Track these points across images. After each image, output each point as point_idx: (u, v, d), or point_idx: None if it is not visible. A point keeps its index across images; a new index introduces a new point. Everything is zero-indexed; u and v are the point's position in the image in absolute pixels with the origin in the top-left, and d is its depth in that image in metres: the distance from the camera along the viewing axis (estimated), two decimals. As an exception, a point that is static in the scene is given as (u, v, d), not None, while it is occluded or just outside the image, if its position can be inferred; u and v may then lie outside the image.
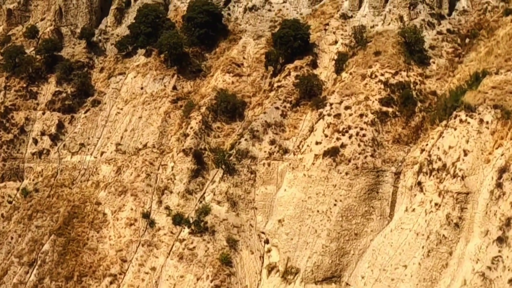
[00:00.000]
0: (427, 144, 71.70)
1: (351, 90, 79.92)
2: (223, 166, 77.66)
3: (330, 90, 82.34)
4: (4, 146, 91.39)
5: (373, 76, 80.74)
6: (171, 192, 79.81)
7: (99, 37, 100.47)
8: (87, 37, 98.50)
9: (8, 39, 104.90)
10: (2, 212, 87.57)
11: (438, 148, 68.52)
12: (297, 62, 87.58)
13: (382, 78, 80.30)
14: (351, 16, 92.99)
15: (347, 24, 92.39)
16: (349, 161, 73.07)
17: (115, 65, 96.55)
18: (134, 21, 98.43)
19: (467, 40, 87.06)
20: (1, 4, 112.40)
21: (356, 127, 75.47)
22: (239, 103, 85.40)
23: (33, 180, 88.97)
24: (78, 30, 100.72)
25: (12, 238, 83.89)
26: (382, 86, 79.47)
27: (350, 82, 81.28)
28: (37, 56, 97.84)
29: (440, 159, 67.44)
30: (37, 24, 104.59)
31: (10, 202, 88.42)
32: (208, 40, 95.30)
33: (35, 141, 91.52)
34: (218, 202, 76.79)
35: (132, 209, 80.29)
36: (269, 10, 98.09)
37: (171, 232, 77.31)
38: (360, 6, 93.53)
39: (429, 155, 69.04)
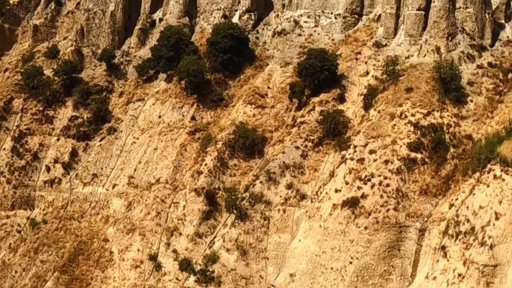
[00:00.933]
0: (456, 199, 64.86)
1: (378, 131, 73.43)
2: (235, 211, 72.04)
3: (356, 129, 76.04)
4: (16, 173, 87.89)
5: (403, 116, 74.08)
6: (180, 234, 74.83)
7: (121, 59, 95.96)
8: (107, 59, 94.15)
9: (31, 56, 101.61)
10: (10, 242, 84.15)
11: (468, 207, 61.63)
12: (323, 96, 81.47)
13: (413, 119, 73.60)
14: (385, 45, 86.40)
15: (381, 53, 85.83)
16: (369, 214, 66.66)
17: (135, 90, 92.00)
18: (157, 43, 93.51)
19: (510, 76, 79.58)
20: (28, 19, 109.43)
21: (380, 175, 68.97)
22: (258, 139, 79.79)
23: (43, 210, 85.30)
24: (100, 51, 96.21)
25: (16, 272, 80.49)
26: (412, 128, 72.77)
27: (377, 121, 74.79)
28: (56, 78, 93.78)
29: (468, 221, 60.56)
30: (59, 43, 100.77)
31: (19, 232, 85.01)
32: (232, 65, 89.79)
33: (48, 169, 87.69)
34: (228, 250, 71.34)
35: (139, 250, 75.65)
36: (299, 35, 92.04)
37: (177, 279, 72.40)
38: (395, 34, 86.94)
39: (457, 214, 62.18)
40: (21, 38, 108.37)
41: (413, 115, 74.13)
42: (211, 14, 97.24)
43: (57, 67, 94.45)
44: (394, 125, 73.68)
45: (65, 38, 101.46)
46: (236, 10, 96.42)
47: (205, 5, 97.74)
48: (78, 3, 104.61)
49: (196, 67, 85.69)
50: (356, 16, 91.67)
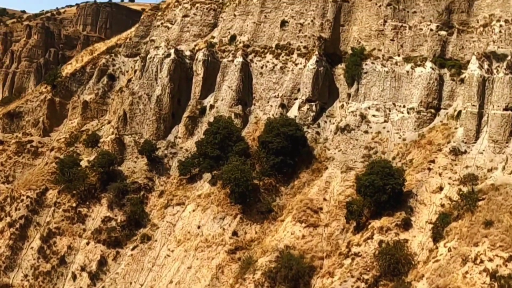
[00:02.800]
0: None
1: (445, 279, 59.88)
2: None
3: (419, 272, 62.61)
4: (40, 278, 79.36)
5: (478, 261, 60.16)
6: None
7: (165, 151, 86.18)
8: (149, 153, 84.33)
9: (75, 139, 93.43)
10: None
11: None
12: (384, 220, 68.62)
13: (490, 265, 59.50)
14: (465, 151, 72.92)
15: (458, 162, 72.46)
16: None
17: (176, 191, 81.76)
18: (203, 136, 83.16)
19: None
20: (79, 94, 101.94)
21: None
22: (305, 269, 67.64)
23: (62, 327, 76.03)
24: (143, 140, 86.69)
25: None
26: (488, 279, 58.71)
27: (446, 265, 61.14)
28: (93, 171, 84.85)
29: None
30: (102, 128, 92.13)
31: None
32: (285, 168, 78.13)
33: (74, 277, 78.64)
34: None
35: None
36: (366, 132, 79.57)
37: None
38: (477, 137, 73.23)
39: None
40: (71, 114, 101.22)
41: (490, 259, 60.09)
42: (268, 102, 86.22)
43: (95, 158, 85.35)
44: (466, 272, 59.87)
45: (109, 122, 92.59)
46: (295, 99, 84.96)
47: (261, 91, 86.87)
48: (130, 80, 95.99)
49: (240, 174, 74.42)
50: (432, 110, 78.83)
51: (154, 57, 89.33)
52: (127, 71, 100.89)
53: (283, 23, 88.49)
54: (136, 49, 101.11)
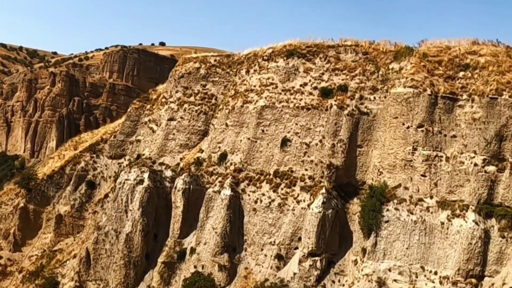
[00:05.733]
0: None
1: None
2: None
3: None
4: None
5: None
6: None
7: (133, 308, 67.93)
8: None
9: (48, 259, 77.24)
10: None
11: None
12: None
13: None
14: None
15: None
16: None
17: None
18: (176, 297, 64.60)
19: None
20: (54, 203, 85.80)
21: None
22: None
23: None
24: (108, 291, 69.11)
25: None
26: None
27: None
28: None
29: None
30: (67, 262, 75.10)
31: None
32: None
33: None
34: None
35: None
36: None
37: None
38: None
39: None
40: (45, 227, 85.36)
41: None
42: (262, 250, 66.76)
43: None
44: None
45: (75, 256, 75.45)
46: (296, 248, 65.21)
47: (254, 234, 67.57)
48: (106, 196, 78.48)
49: None
50: (473, 280, 58.05)
51: (124, 183, 71.00)
52: (110, 177, 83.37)
53: (285, 142, 68.63)
54: (121, 149, 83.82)
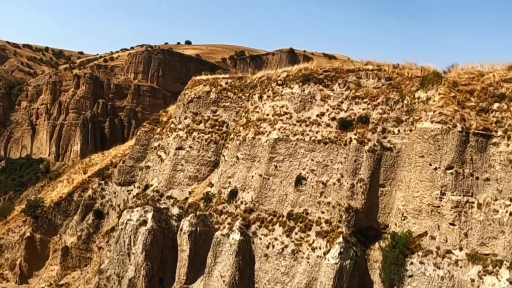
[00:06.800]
0: None
1: None
2: None
3: None
4: None
5: None
6: None
7: None
8: None
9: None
10: None
11: None
12: None
13: None
14: None
15: None
16: None
17: None
18: None
19: None
20: (61, 233, 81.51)
21: None
22: None
23: None
24: None
25: None
26: None
27: None
28: None
29: None
30: None
31: None
32: None
33: None
34: None
35: None
36: None
37: None
38: None
39: None
40: (52, 258, 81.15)
41: None
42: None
43: None
44: None
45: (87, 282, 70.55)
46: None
47: (266, 283, 62.24)
48: (113, 229, 73.46)
49: None
50: None
51: (126, 223, 65.58)
52: (118, 205, 78.27)
53: (299, 180, 62.44)
54: (130, 175, 78.58)
